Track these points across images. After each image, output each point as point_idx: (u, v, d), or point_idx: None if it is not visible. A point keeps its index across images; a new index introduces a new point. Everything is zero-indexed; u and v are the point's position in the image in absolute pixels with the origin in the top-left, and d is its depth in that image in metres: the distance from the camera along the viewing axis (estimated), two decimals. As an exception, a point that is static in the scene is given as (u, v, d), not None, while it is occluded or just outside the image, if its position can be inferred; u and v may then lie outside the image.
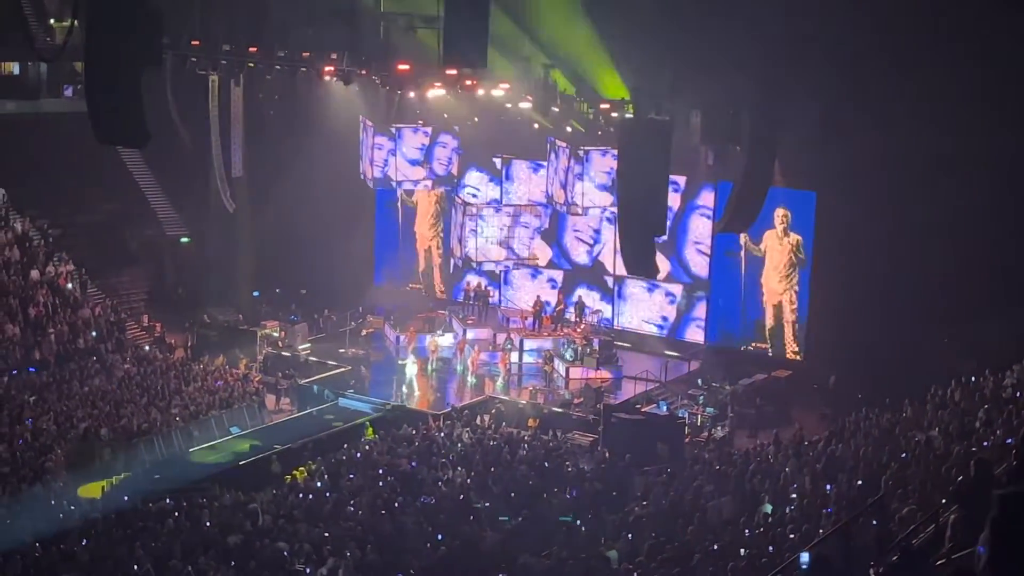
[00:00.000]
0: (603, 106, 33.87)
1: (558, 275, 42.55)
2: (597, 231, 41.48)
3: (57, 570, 20.80)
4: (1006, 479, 12.85)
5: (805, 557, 12.78)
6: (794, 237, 37.78)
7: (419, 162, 41.00)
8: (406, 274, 45.94)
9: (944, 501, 14.03)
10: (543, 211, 41.19)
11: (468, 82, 33.40)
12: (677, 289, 40.41)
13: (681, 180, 38.97)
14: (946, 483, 16.16)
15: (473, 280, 42.35)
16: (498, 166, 42.68)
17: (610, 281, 41.73)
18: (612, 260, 40.95)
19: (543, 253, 42.49)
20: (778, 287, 38.22)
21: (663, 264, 39.40)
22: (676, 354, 38.84)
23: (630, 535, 21.63)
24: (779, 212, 37.24)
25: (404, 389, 36.89)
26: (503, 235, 40.70)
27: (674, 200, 38.91)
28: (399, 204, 45.60)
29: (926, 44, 30.23)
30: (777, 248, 38.16)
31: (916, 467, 19.86)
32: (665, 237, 34.43)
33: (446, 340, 39.46)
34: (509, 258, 41.16)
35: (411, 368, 36.79)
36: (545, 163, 39.34)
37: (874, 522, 14.50)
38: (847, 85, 31.89)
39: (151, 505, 24.65)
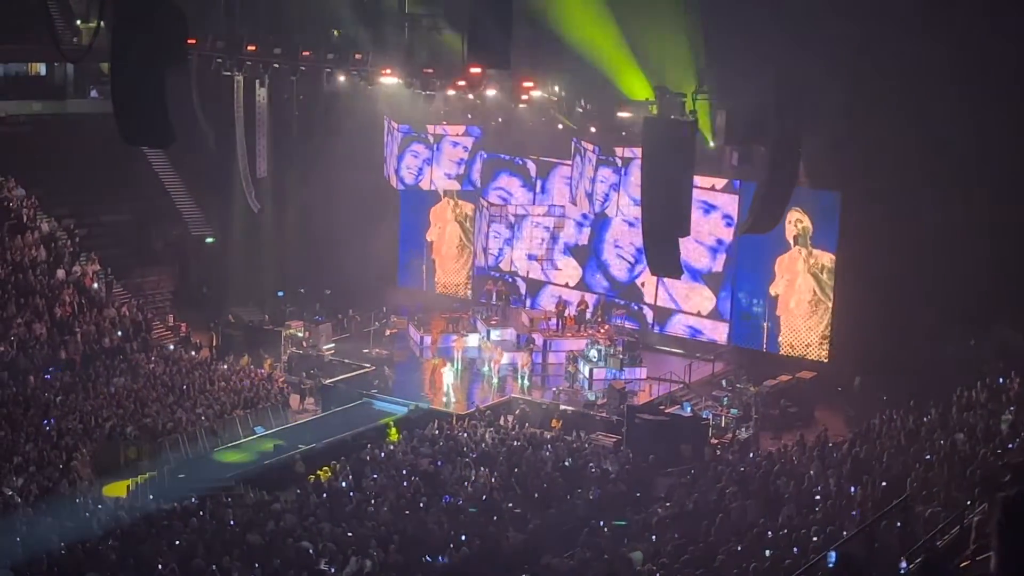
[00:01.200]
0: (627, 107, 33.83)
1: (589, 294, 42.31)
2: (640, 250, 40.96)
3: (82, 569, 20.89)
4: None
5: (833, 556, 12.75)
6: (820, 256, 36.74)
7: (454, 176, 41.40)
8: (430, 275, 45.98)
9: (969, 503, 13.97)
10: (575, 225, 41.41)
11: (492, 83, 33.48)
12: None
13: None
14: (971, 485, 16.09)
15: (496, 282, 42.31)
16: (531, 171, 42.68)
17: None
18: (654, 290, 40.75)
19: (572, 272, 42.41)
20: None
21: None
22: (700, 355, 38.72)
23: (654, 536, 21.62)
24: (792, 216, 35.97)
25: (429, 389, 36.91)
26: (535, 247, 40.99)
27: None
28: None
29: (954, 43, 30.07)
30: (797, 277, 37.26)
31: (941, 469, 19.78)
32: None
33: (471, 341, 39.49)
34: (544, 270, 41.50)
35: (448, 372, 36.61)
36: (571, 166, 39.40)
37: (899, 524, 14.44)
38: (873, 84, 31.77)
39: (175, 504, 24.76)
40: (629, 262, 41.47)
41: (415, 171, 41.29)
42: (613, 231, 41.36)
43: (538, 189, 42.81)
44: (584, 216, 41.34)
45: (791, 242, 37.12)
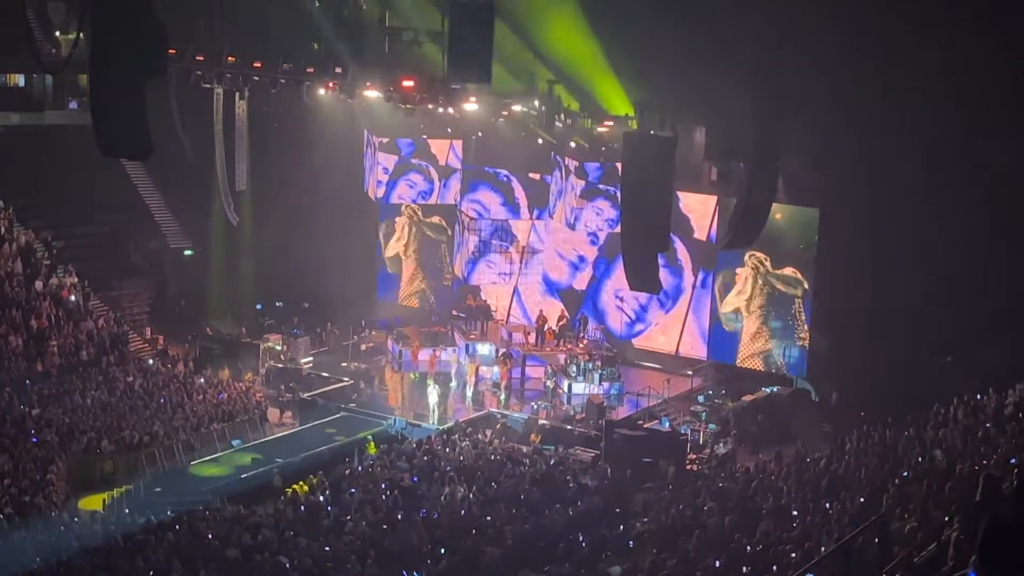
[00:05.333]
0: (607, 122, 33.88)
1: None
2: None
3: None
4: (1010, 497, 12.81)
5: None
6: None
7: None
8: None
9: (946, 519, 13.99)
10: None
11: (472, 97, 33.48)
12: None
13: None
14: (948, 501, 16.13)
15: (475, 296, 42.28)
16: (514, 187, 42.63)
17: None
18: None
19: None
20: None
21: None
22: (679, 370, 38.74)
23: (635, 550, 21.58)
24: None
25: (407, 403, 36.81)
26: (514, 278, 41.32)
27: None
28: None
29: (937, 60, 30.22)
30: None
31: (918, 485, 19.81)
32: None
33: (450, 355, 39.40)
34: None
35: (426, 386, 36.53)
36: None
37: (875, 540, 14.45)
38: (850, 103, 31.92)
39: (152, 518, 24.62)
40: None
41: (414, 195, 41.83)
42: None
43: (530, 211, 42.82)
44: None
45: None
